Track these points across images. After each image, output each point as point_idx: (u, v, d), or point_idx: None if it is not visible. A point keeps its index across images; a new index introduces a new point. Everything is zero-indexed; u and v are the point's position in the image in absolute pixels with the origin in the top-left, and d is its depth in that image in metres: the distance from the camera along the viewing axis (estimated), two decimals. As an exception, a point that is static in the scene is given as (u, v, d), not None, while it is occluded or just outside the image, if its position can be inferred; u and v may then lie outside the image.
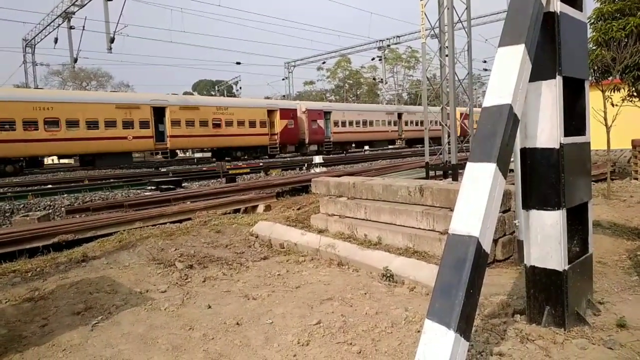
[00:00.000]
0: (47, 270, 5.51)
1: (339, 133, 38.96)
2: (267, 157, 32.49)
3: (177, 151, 35.00)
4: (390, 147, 44.81)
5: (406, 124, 45.72)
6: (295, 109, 35.31)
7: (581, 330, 3.22)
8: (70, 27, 32.48)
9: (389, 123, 43.81)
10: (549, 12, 3.10)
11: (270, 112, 33.59)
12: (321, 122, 36.99)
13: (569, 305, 3.22)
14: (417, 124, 46.14)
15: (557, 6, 3.11)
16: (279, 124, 33.76)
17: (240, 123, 31.62)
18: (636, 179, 11.77)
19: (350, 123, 40.00)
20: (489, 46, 45.99)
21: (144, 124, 26.99)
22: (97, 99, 26.56)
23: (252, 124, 32.38)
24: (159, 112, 27.78)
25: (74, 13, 32.12)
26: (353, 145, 42.66)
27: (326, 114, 37.84)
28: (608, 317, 3.44)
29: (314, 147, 36.85)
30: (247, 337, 3.54)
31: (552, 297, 3.26)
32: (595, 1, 10.19)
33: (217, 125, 30.34)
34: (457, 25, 13.58)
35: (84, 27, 31.48)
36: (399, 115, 45.22)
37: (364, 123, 41.41)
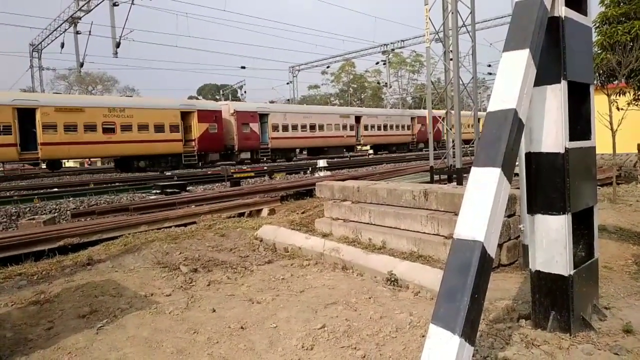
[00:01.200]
0: (52, 273, 5.54)
1: (280, 139, 34.06)
2: (184, 167, 27.84)
3: (64, 161, 30.19)
4: (349, 153, 40.04)
5: (366, 128, 41.45)
6: (220, 111, 30.40)
7: (587, 336, 3.20)
8: (77, 32, 32.73)
9: (345, 127, 39.30)
10: (553, 16, 3.10)
11: (186, 114, 28.57)
12: (255, 126, 32.17)
13: (574, 310, 3.20)
14: (379, 128, 42.53)
15: (562, 11, 3.11)
16: (197, 128, 28.70)
17: (143, 127, 26.37)
18: (642, 183, 11.70)
19: (294, 127, 35.06)
20: (493, 50, 45.67)
21: (5, 129, 21.76)
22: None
23: (159, 128, 27.08)
24: (26, 115, 22.53)
25: (80, 18, 32.37)
26: (303, 152, 39.20)
27: (262, 116, 33.05)
28: (614, 322, 3.42)
29: (246, 155, 32.37)
30: (251, 341, 3.54)
31: (557, 302, 3.24)
32: (600, 5, 10.16)
33: (109, 130, 25.12)
34: (462, 30, 13.60)
35: (90, 32, 31.70)
36: (357, 119, 40.78)
37: (312, 127, 36.48)
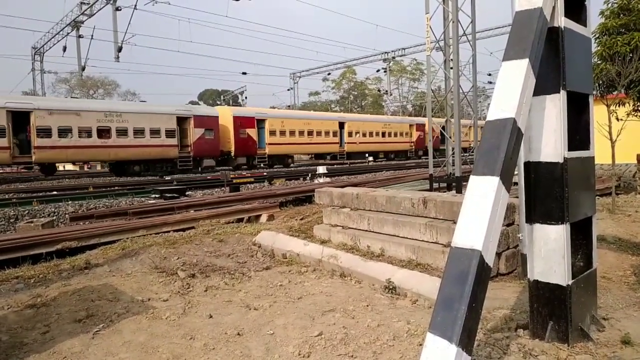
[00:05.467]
0: (49, 277, 5.52)
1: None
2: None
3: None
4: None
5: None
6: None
7: (585, 346, 3.19)
8: (79, 36, 32.88)
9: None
10: (553, 27, 3.12)
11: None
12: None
13: (572, 320, 3.19)
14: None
15: (562, 21, 3.13)
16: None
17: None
18: (641, 193, 11.71)
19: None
20: (493, 59, 45.82)
21: (-1, 133, 21.53)
22: None
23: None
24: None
25: (83, 22, 32.53)
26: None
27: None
28: (612, 333, 3.41)
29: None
30: (248, 348, 3.52)
31: (555, 312, 3.23)
32: (600, 16, 10.22)
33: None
34: (462, 39, 13.65)
35: (92, 36, 31.87)
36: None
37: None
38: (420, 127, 45.21)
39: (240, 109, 34.24)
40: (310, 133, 35.66)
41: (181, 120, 28.25)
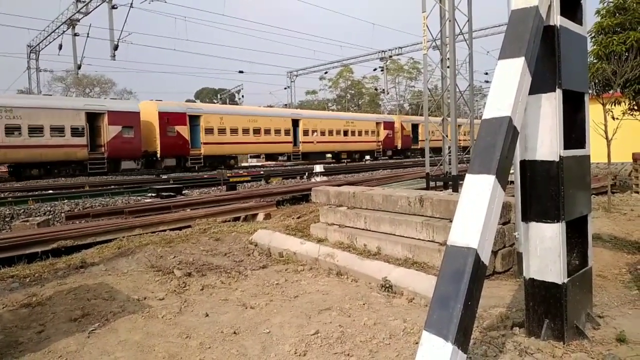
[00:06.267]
0: (45, 275, 5.50)
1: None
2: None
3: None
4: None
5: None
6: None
7: (580, 344, 3.20)
8: (75, 34, 32.68)
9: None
10: (549, 25, 3.12)
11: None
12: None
13: (568, 318, 3.20)
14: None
15: (557, 20, 3.14)
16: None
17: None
18: (637, 192, 11.76)
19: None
20: (490, 58, 45.60)
21: None
22: None
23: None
24: None
25: (78, 20, 32.33)
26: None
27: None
28: (607, 331, 3.42)
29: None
30: (244, 347, 3.52)
31: (551, 310, 3.24)
32: (596, 15, 10.26)
33: None
34: (459, 38, 13.66)
35: (88, 34, 31.67)
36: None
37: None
38: (389, 125, 43.24)
39: (168, 103, 29.97)
40: (257, 131, 32.34)
41: (93, 117, 24.88)
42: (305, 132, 36.10)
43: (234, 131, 30.93)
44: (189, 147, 28.49)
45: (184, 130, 28.24)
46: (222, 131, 30.26)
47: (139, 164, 28.87)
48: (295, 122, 35.49)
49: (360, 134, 40.98)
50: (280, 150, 35.36)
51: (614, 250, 5.71)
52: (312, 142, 36.68)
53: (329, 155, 39.93)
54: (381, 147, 42.85)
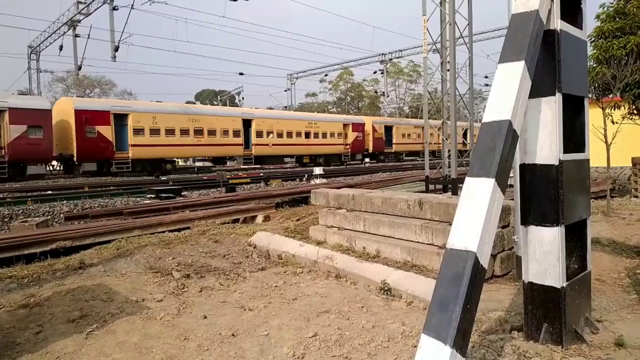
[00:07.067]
0: (43, 276, 5.48)
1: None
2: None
3: None
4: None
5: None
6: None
7: (579, 349, 3.19)
8: (76, 35, 32.73)
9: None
10: (549, 29, 3.13)
11: None
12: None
13: (566, 322, 3.19)
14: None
15: (558, 24, 3.14)
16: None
17: None
18: (636, 196, 11.76)
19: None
20: (490, 62, 45.51)
21: None
22: None
23: None
24: None
25: (79, 21, 32.39)
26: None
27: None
28: (606, 335, 3.42)
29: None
30: (242, 349, 3.51)
31: (550, 314, 3.24)
32: (596, 20, 10.28)
33: None
34: (459, 41, 13.67)
35: (89, 35, 31.72)
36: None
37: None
38: (358, 126, 40.11)
39: (89, 100, 26.84)
40: (199, 132, 28.91)
41: None
42: (259, 134, 32.56)
43: (169, 132, 27.44)
44: (113, 149, 25.02)
45: (106, 131, 24.72)
46: (155, 132, 26.73)
47: (55, 168, 26.17)
48: (247, 123, 32.04)
49: (325, 136, 37.41)
50: (228, 153, 32.00)
51: (613, 255, 5.71)
52: (267, 145, 33.05)
53: (290, 159, 37.33)
54: (349, 150, 39.64)
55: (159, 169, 27.19)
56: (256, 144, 32.31)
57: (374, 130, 41.62)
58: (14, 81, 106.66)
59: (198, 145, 29.09)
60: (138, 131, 26.04)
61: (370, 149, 41.67)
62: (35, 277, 5.46)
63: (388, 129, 43.21)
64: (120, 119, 25.56)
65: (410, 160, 42.21)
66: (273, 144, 33.40)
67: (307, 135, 36.10)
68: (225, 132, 30.35)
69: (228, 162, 35.37)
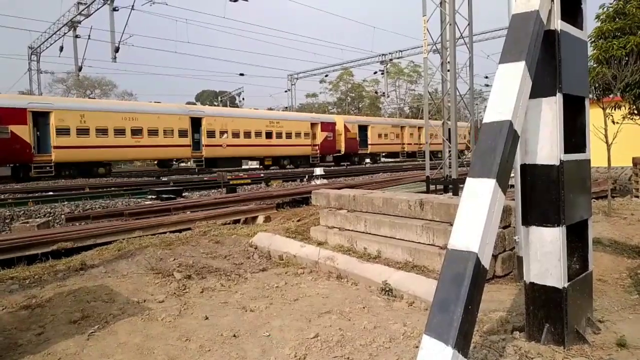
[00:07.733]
0: (45, 277, 5.49)
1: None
2: None
3: None
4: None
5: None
6: None
7: (581, 349, 3.19)
8: (76, 36, 32.80)
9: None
10: (549, 30, 3.13)
11: None
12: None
13: (568, 323, 3.19)
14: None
15: (558, 24, 3.14)
16: None
17: None
18: (637, 196, 11.76)
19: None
20: (490, 62, 45.44)
21: None
22: None
23: None
24: None
25: (80, 22, 32.46)
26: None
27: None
28: (608, 335, 3.41)
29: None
30: (243, 350, 3.51)
31: (551, 314, 3.24)
32: (596, 20, 10.27)
33: None
34: (459, 41, 13.69)
35: (89, 36, 31.82)
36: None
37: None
38: (328, 126, 37.33)
39: (0, 96, 23.64)
40: (137, 132, 26.02)
41: None
42: (211, 134, 29.52)
43: (102, 132, 24.52)
44: (32, 152, 22.15)
45: (23, 131, 21.65)
46: (83, 132, 23.76)
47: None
48: (197, 121, 29.05)
49: (289, 136, 34.56)
50: (173, 156, 29.38)
51: (614, 255, 5.70)
52: (221, 146, 30.08)
53: (253, 162, 35.19)
54: (318, 151, 36.76)
55: (90, 173, 24.34)
56: (207, 145, 29.32)
57: (347, 129, 38.84)
58: (15, 82, 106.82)
59: (137, 147, 26.13)
60: (62, 131, 23.07)
61: (343, 150, 38.81)
62: (36, 278, 5.46)
63: (363, 129, 40.52)
64: (42, 118, 22.63)
65: (387, 163, 39.83)
66: (227, 145, 30.43)
67: (269, 135, 33.19)
68: (169, 132, 27.53)
69: (180, 164, 32.62)
